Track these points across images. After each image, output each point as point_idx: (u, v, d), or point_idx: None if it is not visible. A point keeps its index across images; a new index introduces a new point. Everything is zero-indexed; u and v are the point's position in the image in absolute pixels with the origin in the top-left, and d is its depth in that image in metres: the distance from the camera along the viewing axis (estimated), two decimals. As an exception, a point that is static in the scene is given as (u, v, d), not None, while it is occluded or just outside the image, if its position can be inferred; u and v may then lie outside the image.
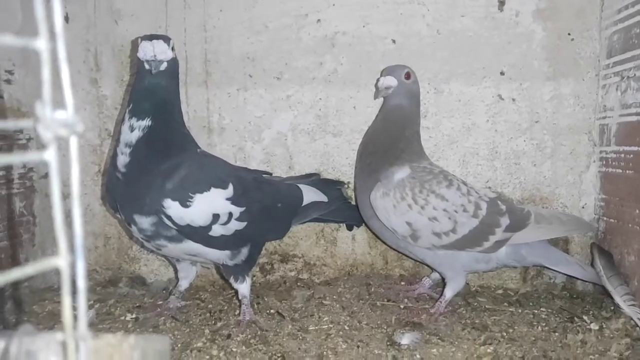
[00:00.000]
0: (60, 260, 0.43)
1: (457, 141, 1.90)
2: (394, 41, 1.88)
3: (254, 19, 1.91)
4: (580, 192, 1.86)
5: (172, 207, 1.43)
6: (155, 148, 1.45)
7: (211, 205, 1.48)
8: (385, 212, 1.63)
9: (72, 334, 0.42)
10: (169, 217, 1.44)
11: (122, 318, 1.67)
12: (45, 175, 1.98)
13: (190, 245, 1.51)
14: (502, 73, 1.85)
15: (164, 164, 1.46)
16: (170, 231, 1.47)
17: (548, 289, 1.88)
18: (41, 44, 0.41)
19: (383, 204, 1.62)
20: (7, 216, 1.80)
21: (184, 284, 1.76)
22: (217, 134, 1.95)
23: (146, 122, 1.44)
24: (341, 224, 1.98)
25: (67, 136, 0.43)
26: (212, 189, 1.49)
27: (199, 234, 1.49)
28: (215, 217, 1.49)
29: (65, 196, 2.01)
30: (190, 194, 1.45)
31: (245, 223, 1.54)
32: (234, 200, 1.52)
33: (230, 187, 1.52)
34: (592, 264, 1.71)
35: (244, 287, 1.61)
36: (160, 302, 1.77)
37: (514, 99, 1.86)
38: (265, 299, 1.78)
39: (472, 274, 1.84)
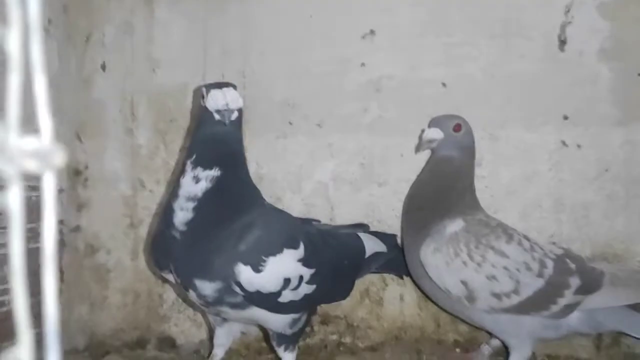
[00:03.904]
0: (22, 351, 0.29)
1: (517, 191, 1.72)
2: (444, 85, 1.75)
3: (296, 64, 1.82)
4: (661, 250, 1.65)
5: (243, 272, 1.27)
6: (225, 202, 1.31)
7: (283, 268, 1.33)
8: (437, 270, 1.45)
9: None
10: (239, 284, 1.28)
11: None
12: (76, 229, 1.89)
13: (254, 312, 1.35)
14: (565, 117, 1.69)
15: (234, 221, 1.31)
16: (236, 297, 1.30)
17: (627, 360, 1.65)
18: (11, 36, 0.29)
19: (434, 261, 1.45)
20: (33, 272, 1.70)
21: (219, 353, 1.56)
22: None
23: (214, 172, 1.29)
24: (386, 277, 1.81)
25: (39, 171, 0.30)
26: (285, 250, 1.34)
27: (267, 300, 1.33)
28: (286, 281, 1.33)
29: (95, 250, 1.92)
30: (263, 257, 1.29)
31: (315, 286, 1.39)
32: (304, 261, 1.37)
33: (301, 246, 1.37)
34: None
35: (291, 357, 1.45)
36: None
37: (579, 145, 1.69)
38: (305, 366, 1.61)
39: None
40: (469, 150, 1.57)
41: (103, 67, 1.92)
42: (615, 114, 1.67)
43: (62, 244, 1.81)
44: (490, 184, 1.72)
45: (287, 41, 1.84)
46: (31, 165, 0.30)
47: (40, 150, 0.30)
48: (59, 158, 0.31)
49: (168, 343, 1.86)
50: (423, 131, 1.57)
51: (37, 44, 0.30)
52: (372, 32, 1.79)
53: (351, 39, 1.81)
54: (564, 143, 1.70)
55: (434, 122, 1.57)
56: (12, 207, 0.30)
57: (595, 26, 1.67)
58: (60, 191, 1.79)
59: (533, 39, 1.70)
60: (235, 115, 1.31)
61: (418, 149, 1.62)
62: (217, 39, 1.88)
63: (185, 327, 1.89)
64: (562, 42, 1.68)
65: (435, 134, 1.53)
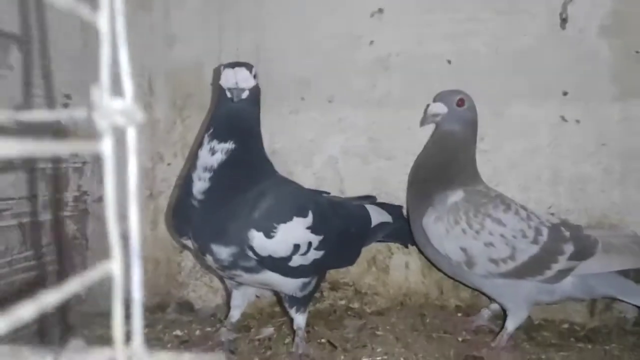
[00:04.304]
0: (113, 264, 0.39)
1: (518, 165, 1.80)
2: (449, 61, 1.83)
3: (308, 41, 1.90)
4: (654, 220, 1.73)
5: (256, 238, 1.37)
6: (238, 173, 1.39)
7: (293, 235, 1.42)
8: (439, 238, 1.55)
9: (124, 351, 0.37)
10: (252, 248, 1.37)
11: (170, 345, 1.64)
12: (99, 199, 1.99)
13: (267, 276, 1.44)
14: (565, 93, 1.76)
15: (248, 191, 1.40)
16: (249, 262, 1.40)
17: (618, 324, 1.74)
18: (101, 18, 0.38)
19: (436, 229, 1.55)
20: (60, 239, 1.82)
21: (235, 315, 1.68)
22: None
23: (229, 145, 1.38)
24: (392, 246, 1.91)
25: (125, 126, 0.39)
26: (295, 218, 1.43)
27: (278, 264, 1.42)
28: (296, 247, 1.43)
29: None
30: (274, 224, 1.38)
31: (323, 252, 1.48)
32: (313, 228, 1.46)
33: (310, 215, 1.47)
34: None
35: (302, 319, 1.55)
36: (209, 330, 1.74)
37: (578, 121, 1.76)
38: (316, 328, 1.72)
39: (535, 306, 1.72)
40: (472, 124, 1.65)
41: (122, 44, 1.99)
42: (613, 90, 1.74)
43: (86, 213, 1.92)
44: (493, 157, 1.81)
45: (299, 19, 1.91)
46: (119, 121, 0.39)
47: (125, 109, 0.39)
48: (140, 116, 0.39)
49: (187, 307, 1.98)
50: (428, 106, 1.65)
51: (121, 24, 0.39)
52: (380, 10, 1.86)
53: (360, 16, 1.87)
54: (563, 118, 1.77)
55: (438, 97, 1.65)
56: (106, 152, 0.39)
57: (596, 4, 1.73)
58: (84, 163, 1.88)
59: (536, 16, 1.77)
60: (245, 93, 1.39)
61: (423, 122, 1.70)
62: (232, 16, 1.94)
63: (203, 293, 2.00)
64: (564, 20, 1.74)
65: (440, 108, 1.61)
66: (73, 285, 0.39)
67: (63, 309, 1.70)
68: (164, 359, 0.42)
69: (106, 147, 0.38)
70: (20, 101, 1.61)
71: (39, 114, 0.42)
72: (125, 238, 0.39)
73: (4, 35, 1.55)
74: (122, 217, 0.42)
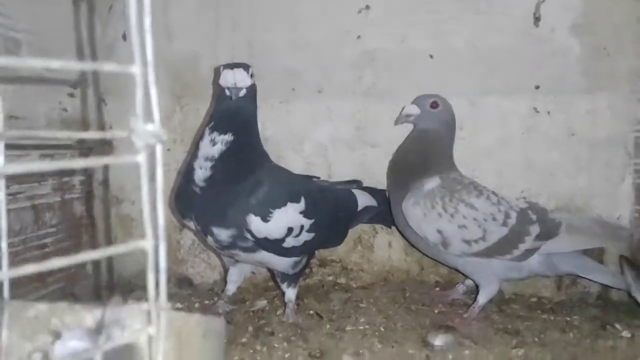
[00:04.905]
0: (147, 243, 0.53)
1: (493, 152, 1.95)
2: (431, 56, 1.96)
3: (298, 36, 2.02)
4: (616, 203, 1.88)
5: (254, 222, 1.50)
6: (237, 162, 1.51)
7: (287, 219, 1.56)
8: (416, 221, 1.70)
9: (155, 305, 0.52)
10: (250, 231, 1.51)
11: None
12: (103, 182, 2.13)
13: (262, 255, 1.59)
14: (537, 87, 1.90)
15: (246, 179, 1.52)
16: (247, 243, 1.54)
17: (582, 298, 1.91)
18: (136, 69, 0.52)
19: (414, 213, 1.69)
20: (68, 219, 1.96)
21: (231, 289, 1.84)
22: (261, 144, 2.06)
23: (228, 137, 1.50)
24: (377, 227, 2.06)
25: (154, 144, 0.53)
26: (289, 204, 1.57)
27: (273, 245, 1.56)
28: (290, 230, 1.57)
29: (120, 201, 2.17)
30: (270, 210, 1.52)
31: (313, 234, 1.63)
32: (305, 213, 1.60)
33: (303, 200, 1.60)
34: (622, 274, 1.73)
35: (293, 293, 1.71)
36: (207, 302, 1.89)
37: (549, 112, 1.90)
38: (305, 301, 1.87)
39: (507, 282, 1.88)
40: (446, 124, 1.80)
41: (124, 37, 2.11)
42: (582, 84, 1.87)
43: (92, 195, 2.06)
44: (470, 145, 1.94)
45: (291, 14, 2.03)
46: (150, 141, 0.53)
47: (155, 132, 0.52)
48: (165, 136, 0.53)
49: (186, 282, 2.13)
50: (404, 108, 1.80)
51: (152, 72, 0.53)
52: (367, 7, 1.98)
53: (348, 13, 1.99)
54: (535, 110, 1.92)
55: (415, 100, 1.80)
56: (141, 162, 0.53)
57: (567, 5, 1.86)
58: (90, 149, 2.01)
59: (511, 16, 1.89)
60: (243, 92, 1.51)
61: (397, 122, 1.85)
62: (227, 12, 2.05)
63: (201, 269, 2.15)
64: (537, 19, 1.87)
65: (412, 110, 1.78)
66: (110, 251, 0.54)
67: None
68: (180, 314, 0.57)
69: (141, 159, 0.52)
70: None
71: (93, 134, 0.56)
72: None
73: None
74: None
